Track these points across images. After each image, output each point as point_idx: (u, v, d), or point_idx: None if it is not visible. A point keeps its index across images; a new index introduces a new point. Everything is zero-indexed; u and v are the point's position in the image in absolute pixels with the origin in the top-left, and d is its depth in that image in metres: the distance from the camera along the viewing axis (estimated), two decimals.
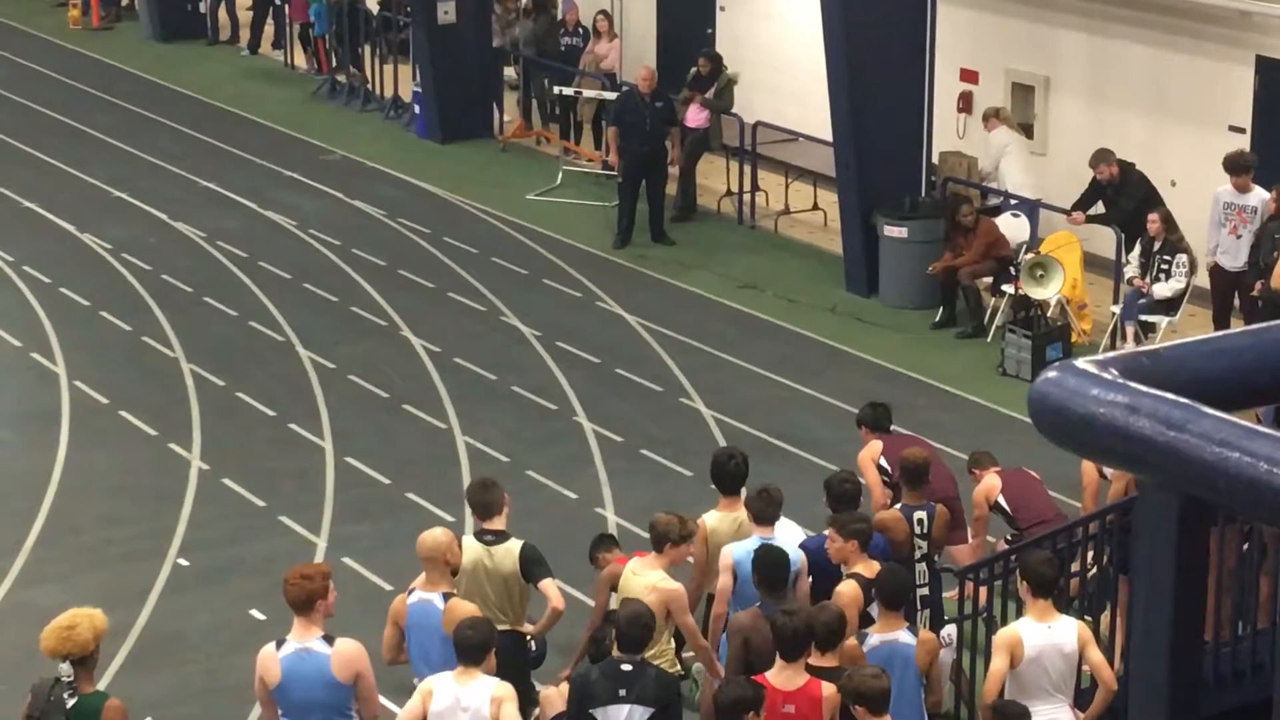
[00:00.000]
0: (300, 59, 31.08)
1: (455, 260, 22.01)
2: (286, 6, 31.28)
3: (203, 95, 29.36)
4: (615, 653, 10.38)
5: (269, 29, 32.26)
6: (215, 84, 30.04)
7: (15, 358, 19.21)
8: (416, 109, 27.24)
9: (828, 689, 10.20)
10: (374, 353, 19.27)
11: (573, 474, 16.52)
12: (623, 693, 10.20)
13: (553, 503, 15.91)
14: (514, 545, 11.47)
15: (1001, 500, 13.38)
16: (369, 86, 28.92)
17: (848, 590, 11.21)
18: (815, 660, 10.43)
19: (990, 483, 13.50)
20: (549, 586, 11.32)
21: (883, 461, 13.49)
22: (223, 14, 32.94)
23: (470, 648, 9.93)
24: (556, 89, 26.19)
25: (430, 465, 16.72)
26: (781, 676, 10.25)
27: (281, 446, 17.14)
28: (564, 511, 15.74)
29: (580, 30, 26.87)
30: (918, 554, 12.07)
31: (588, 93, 25.65)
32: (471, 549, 11.44)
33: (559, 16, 27.51)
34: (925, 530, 12.12)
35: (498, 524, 11.55)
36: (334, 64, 29.68)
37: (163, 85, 30.02)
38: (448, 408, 17.99)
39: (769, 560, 11.17)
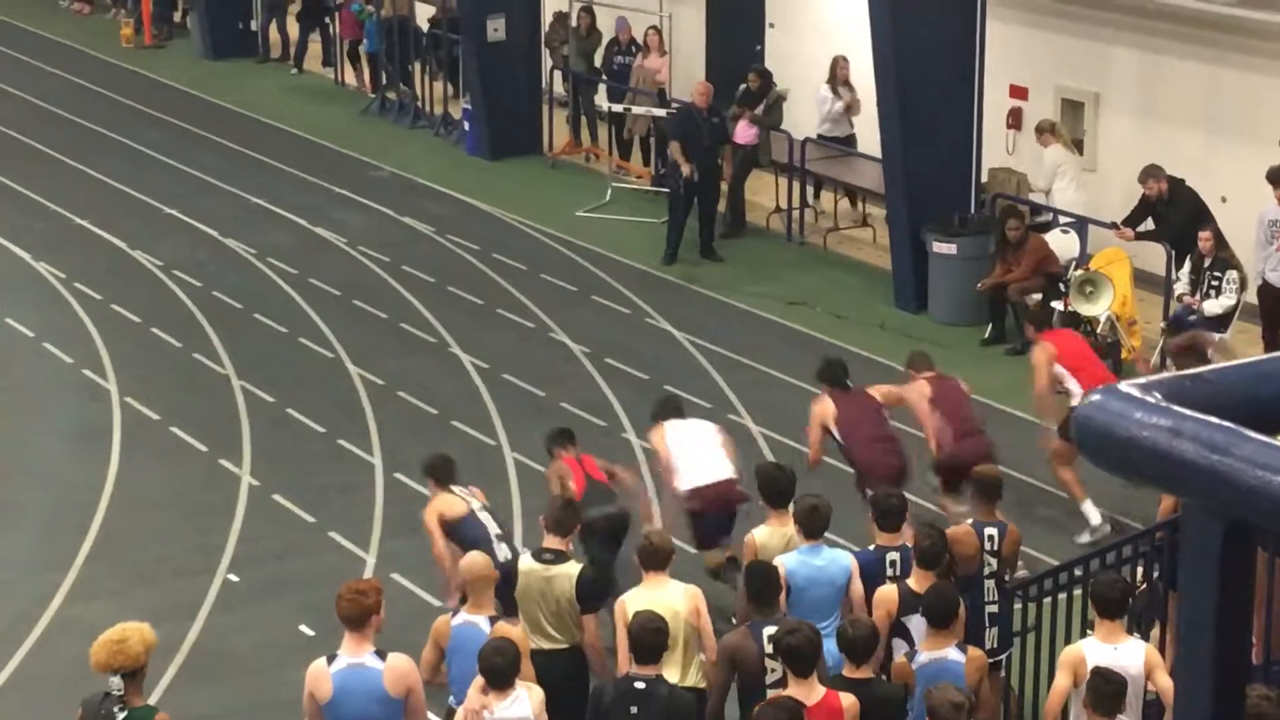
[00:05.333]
0: (350, 76, 31.23)
1: (504, 277, 22.07)
2: (336, 24, 31.44)
3: (253, 112, 29.53)
4: (632, 667, 10.34)
5: (316, 47, 32.39)
6: (266, 101, 30.22)
7: (67, 374, 19.33)
8: (466, 126, 27.34)
9: (846, 699, 10.15)
10: (423, 369, 19.34)
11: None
12: (634, 710, 10.17)
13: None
14: (573, 569, 11.47)
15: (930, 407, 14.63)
16: (419, 103, 29.03)
17: (883, 593, 11.27)
18: (849, 672, 10.42)
19: (921, 387, 14.77)
20: (590, 620, 11.37)
21: (833, 428, 14.34)
22: (274, 32, 33.12)
23: (495, 671, 9.93)
24: (606, 105, 26.25)
25: (479, 481, 16.69)
26: (799, 690, 10.20)
27: (331, 462, 17.22)
28: None
29: (632, 48, 26.93)
30: (987, 570, 12.04)
31: (637, 109, 25.69)
32: (529, 566, 11.46)
33: (612, 34, 27.58)
34: (995, 547, 12.09)
35: (560, 544, 11.58)
36: (384, 81, 29.81)
37: (214, 102, 30.20)
38: (496, 424, 18.04)
39: (758, 575, 11.12)
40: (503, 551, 12.72)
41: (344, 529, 15.83)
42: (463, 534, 12.89)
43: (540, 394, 18.67)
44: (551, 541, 11.62)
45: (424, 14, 29.91)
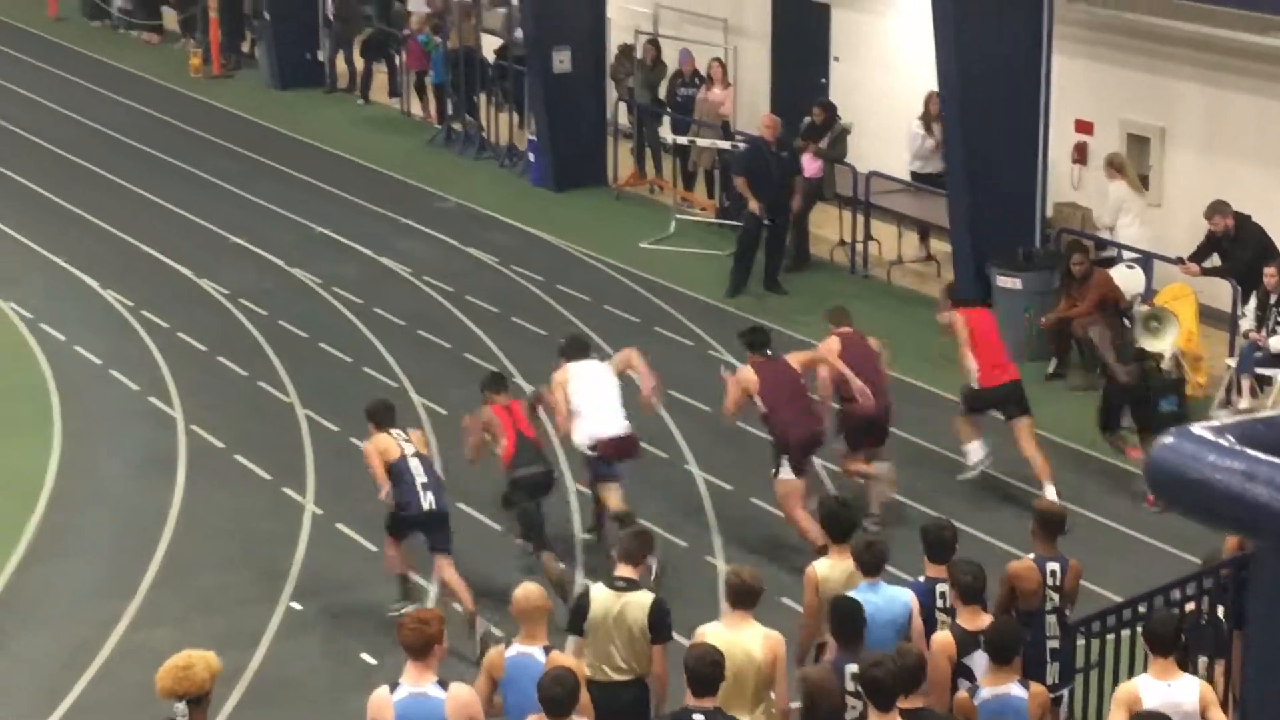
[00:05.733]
0: (417, 107, 31.35)
1: (568, 308, 22.09)
2: (403, 55, 31.59)
3: (320, 142, 29.68)
4: (690, 699, 10.26)
5: (383, 77, 32.54)
6: (332, 131, 30.36)
7: (133, 401, 19.44)
8: (531, 157, 27.41)
9: None
10: None
11: (682, 522, 16.51)
12: None
13: (662, 550, 15.88)
14: (645, 597, 11.44)
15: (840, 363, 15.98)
16: (484, 134, 29.12)
17: (940, 639, 11.20)
18: (900, 703, 10.36)
19: (832, 343, 16.18)
20: (660, 653, 11.33)
21: (755, 396, 15.50)
22: (340, 62, 33.29)
23: (555, 701, 9.88)
24: (670, 138, 26.27)
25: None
26: None
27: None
28: (673, 560, 15.72)
29: (696, 80, 26.95)
30: (1049, 606, 11.97)
31: (702, 141, 25.70)
32: (602, 595, 11.44)
33: (675, 67, 27.62)
34: (1057, 582, 12.02)
35: (632, 572, 11.56)
36: (450, 112, 29.90)
37: (281, 132, 30.37)
38: (559, 455, 18.03)
39: (843, 612, 11.06)
40: (427, 500, 14.37)
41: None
42: (394, 476, 14.41)
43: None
44: (623, 570, 11.60)
45: (490, 45, 30.01)
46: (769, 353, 15.93)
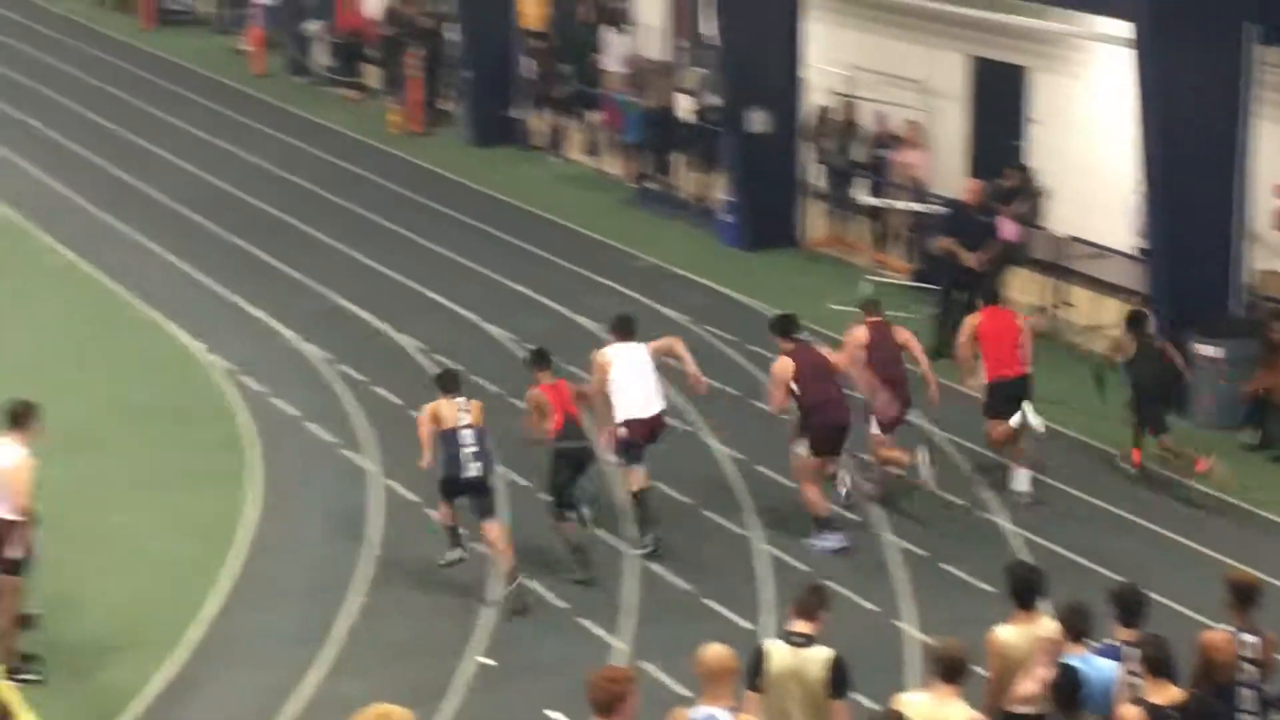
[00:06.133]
0: (611, 165, 31.56)
1: (760, 368, 22.06)
2: (600, 113, 31.84)
3: (516, 199, 29.96)
4: None
5: (578, 136, 32.77)
6: (528, 188, 30.64)
7: (329, 453, 19.72)
8: (724, 216, 27.48)
9: None
10: (678, 457, 19.38)
11: (872, 586, 16.43)
12: None
13: (850, 614, 15.81)
14: (824, 653, 11.37)
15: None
16: (678, 193, 29.25)
17: (1130, 714, 11.00)
18: None
19: (859, 335, 17.83)
20: (843, 710, 11.25)
21: (793, 384, 17.01)
22: (538, 120, 33.60)
23: None
24: (865, 199, 26.22)
25: (731, 572, 16.76)
26: None
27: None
28: (862, 623, 15.64)
29: (891, 142, 26.89)
30: (1243, 679, 11.74)
31: (896, 203, 25.63)
32: (779, 651, 11.39)
33: (870, 128, 27.60)
34: (1254, 655, 11.80)
35: (809, 628, 11.50)
36: (645, 170, 30.07)
37: (477, 189, 30.70)
38: (750, 515, 18.03)
39: (1065, 681, 10.93)
40: (471, 469, 16.02)
41: (595, 615, 15.90)
42: (444, 440, 16.07)
43: (794, 486, 18.62)
44: (800, 625, 11.53)
45: (686, 105, 30.15)
46: (800, 338, 17.56)
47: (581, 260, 26.52)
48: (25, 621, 15.09)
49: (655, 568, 16.74)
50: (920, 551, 17.15)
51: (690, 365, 17.66)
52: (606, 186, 30.88)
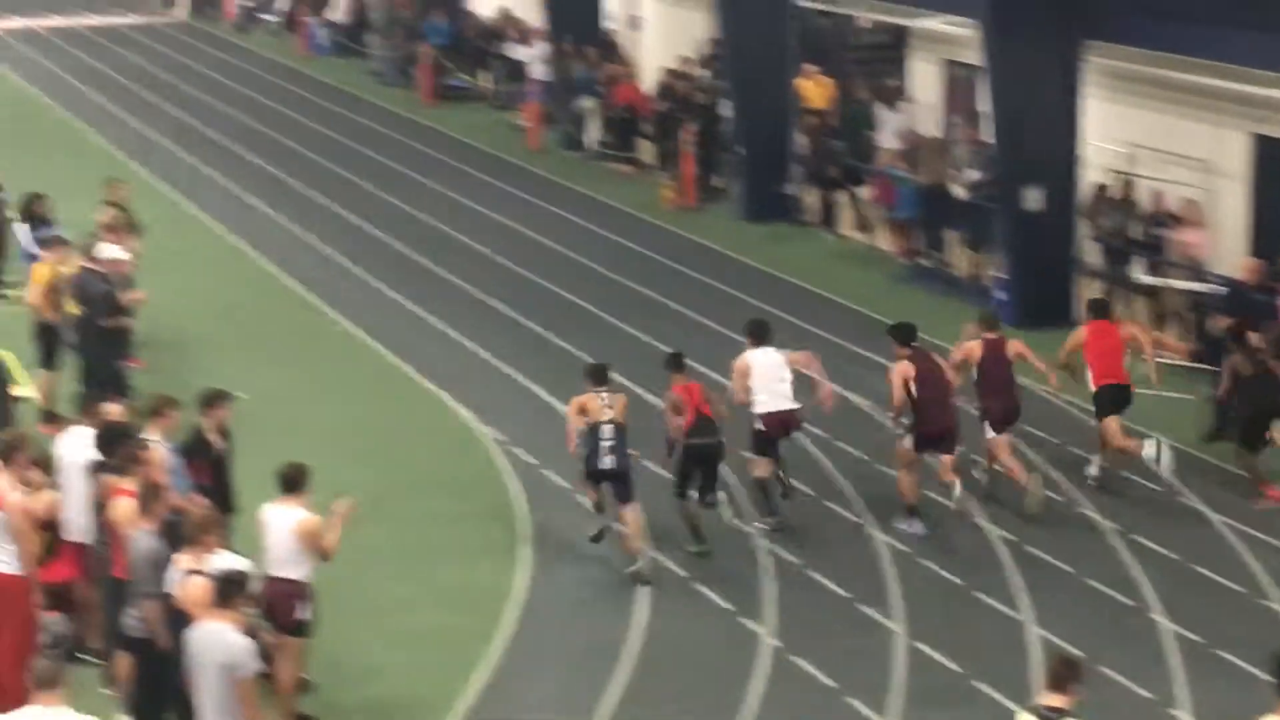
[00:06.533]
0: (885, 241, 31.50)
1: (1035, 448, 21.84)
2: (873, 189, 31.82)
3: (788, 275, 29.97)
4: None
5: (852, 212, 32.77)
6: (801, 264, 30.64)
7: (597, 526, 19.89)
8: (998, 294, 27.26)
9: None
10: (947, 536, 19.27)
11: (1147, 673, 16.15)
12: None
13: (1124, 701, 15.59)
14: None
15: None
16: (952, 270, 29.09)
17: None
18: None
19: (971, 349, 20.13)
20: None
21: (912, 386, 19.25)
22: (811, 196, 33.65)
23: None
24: (1142, 277, 25.85)
25: (1001, 655, 16.59)
26: None
27: (853, 626, 17.30)
28: (1135, 711, 15.41)
29: (1168, 220, 26.51)
30: None
31: (1176, 283, 25.23)
32: None
33: (1147, 206, 27.24)
34: None
35: (1060, 701, 11.35)
36: (918, 247, 29.96)
37: (750, 265, 30.74)
38: (1021, 596, 17.84)
39: None
40: (606, 461, 18.40)
41: (863, 695, 15.85)
42: (588, 432, 18.49)
43: (1067, 569, 18.41)
44: (1051, 699, 11.39)
45: (960, 181, 30.01)
46: (916, 345, 19.71)
47: (854, 337, 26.42)
48: (304, 685, 15.49)
49: (923, 647, 16.62)
50: (1196, 638, 16.81)
51: (823, 385, 20.09)
52: (878, 262, 30.81)
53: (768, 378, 19.75)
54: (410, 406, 24.17)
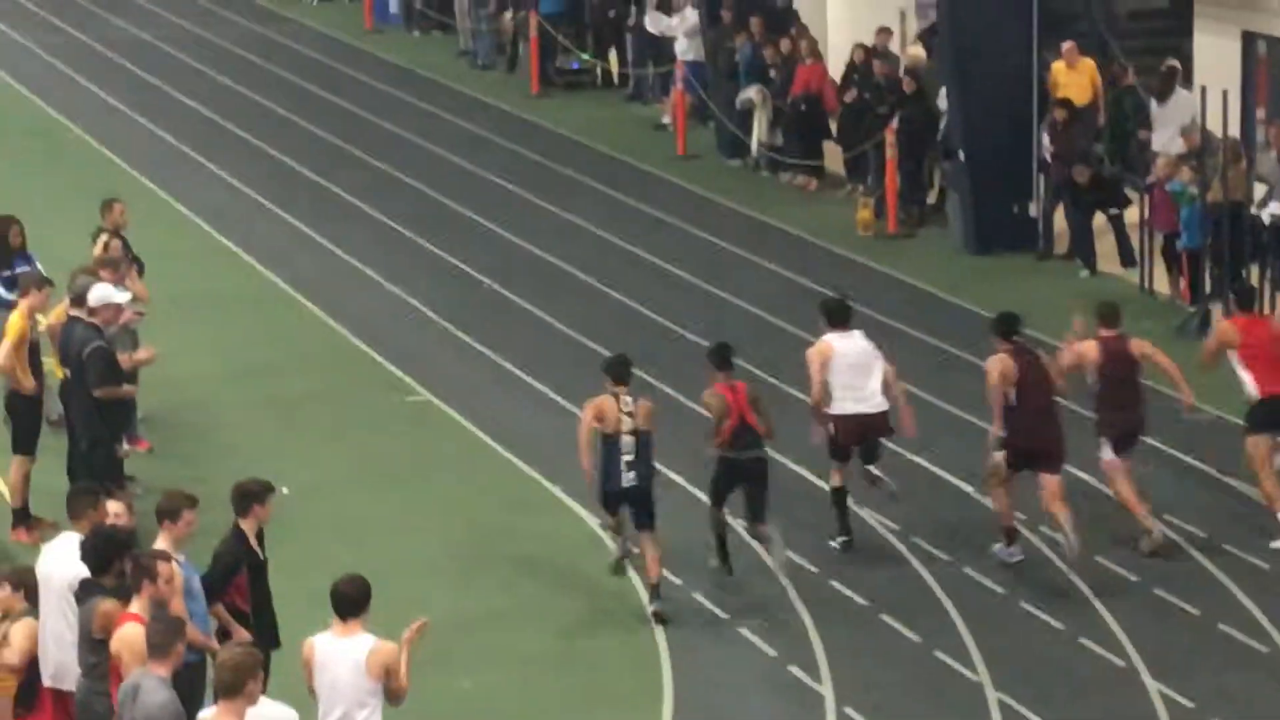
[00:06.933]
0: (1162, 280, 31.31)
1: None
2: (1144, 209, 31.62)
3: (1034, 330, 29.61)
4: None
5: (1112, 240, 32.54)
6: (1050, 313, 30.10)
7: (767, 670, 20.08)
8: None
9: None
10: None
11: None
12: None
13: None
14: None
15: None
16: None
17: None
18: None
19: (1088, 349, 22.14)
20: None
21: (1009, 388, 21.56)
22: (1060, 219, 33.46)
23: None
24: None
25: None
26: None
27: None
28: None
29: None
30: None
31: None
32: None
33: None
34: None
35: None
36: (1209, 289, 29.76)
37: (972, 311, 30.47)
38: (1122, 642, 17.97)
39: None
40: (627, 478, 20.66)
41: None
42: (604, 444, 20.76)
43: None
44: None
45: (1268, 199, 29.84)
46: (1019, 339, 22.16)
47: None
48: None
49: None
50: None
51: (905, 416, 22.50)
52: (1154, 310, 30.61)
53: (850, 371, 22.12)
54: (510, 503, 24.36)
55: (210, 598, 17.08)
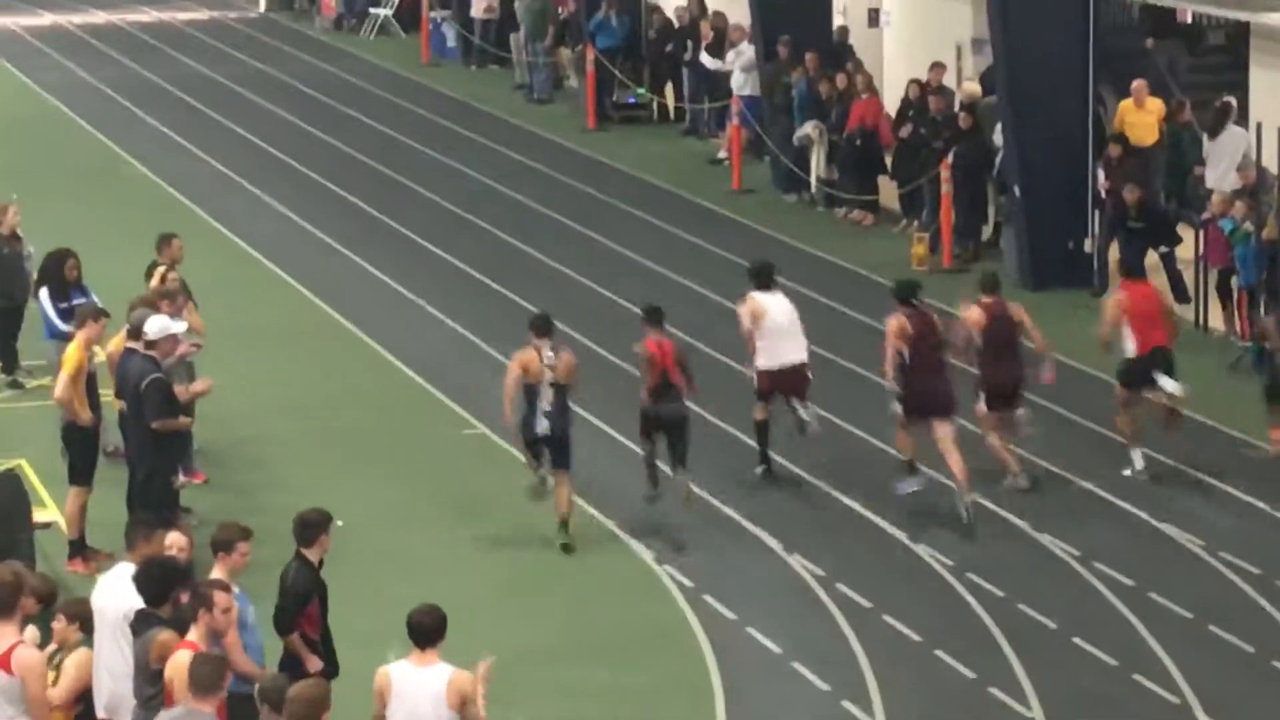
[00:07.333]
0: (1218, 316, 31.24)
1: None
2: (1199, 244, 31.53)
3: (1083, 363, 29.63)
4: None
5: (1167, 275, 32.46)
6: (1094, 347, 30.22)
7: (820, 705, 20.07)
8: None
9: None
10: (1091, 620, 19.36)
11: None
12: None
13: None
14: None
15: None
16: None
17: None
18: None
19: (973, 313, 25.27)
20: None
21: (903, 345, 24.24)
22: (1114, 253, 33.37)
23: None
24: None
25: None
26: None
27: None
28: None
29: None
30: None
31: None
32: None
33: None
34: None
35: None
36: (1265, 327, 29.63)
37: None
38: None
39: None
40: (542, 425, 23.27)
41: None
42: (526, 392, 23.33)
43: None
44: None
45: None
46: (916, 304, 24.73)
47: (1174, 449, 26.17)
48: None
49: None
50: None
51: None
52: (1207, 346, 30.55)
53: (774, 330, 25.24)
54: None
55: (285, 628, 17.19)
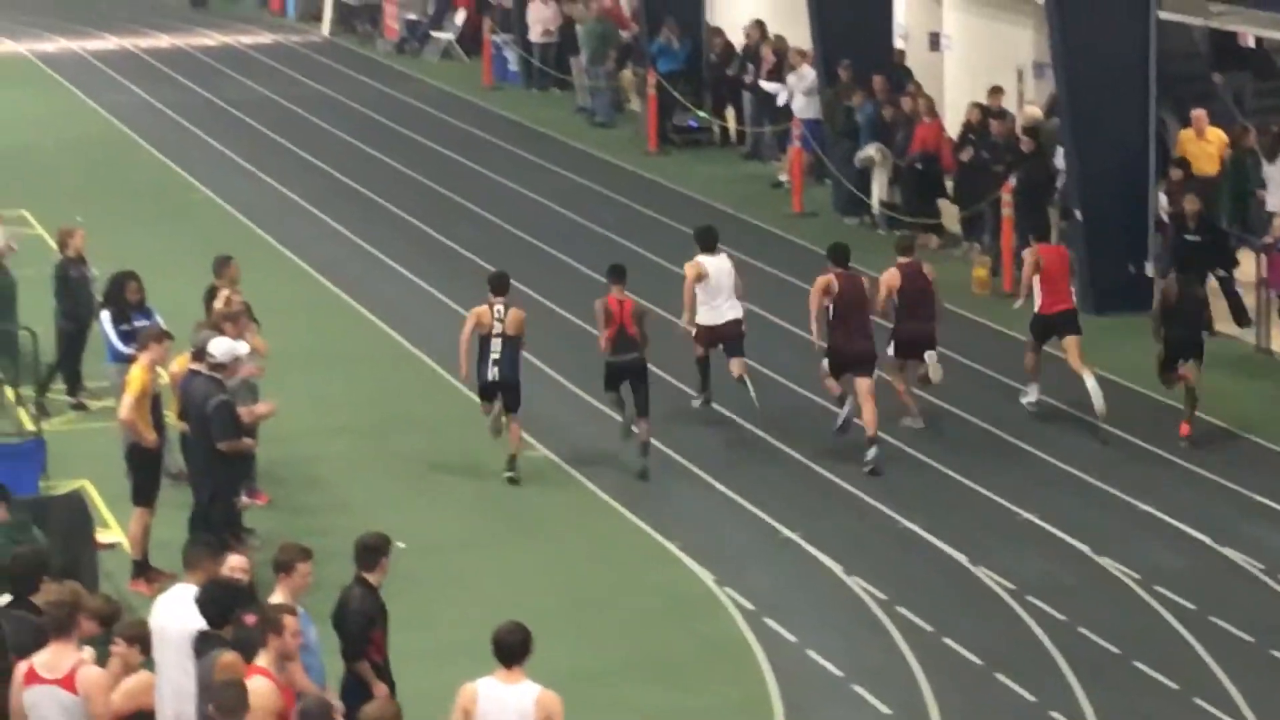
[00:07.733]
0: (1279, 339, 31.14)
1: None
2: (1262, 271, 31.47)
3: (1140, 385, 29.56)
4: None
5: (1228, 303, 32.33)
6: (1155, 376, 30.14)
7: None
8: None
9: None
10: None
11: None
12: None
13: None
14: None
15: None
16: None
17: None
18: None
19: (890, 276, 28.18)
20: None
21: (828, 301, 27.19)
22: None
23: None
24: None
25: None
26: None
27: None
28: None
29: None
30: None
31: None
32: None
33: None
34: None
35: None
36: None
37: (1102, 377, 30.35)
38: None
39: None
40: (492, 373, 26.08)
41: None
42: (479, 343, 26.13)
43: None
44: None
45: None
46: (848, 266, 27.52)
47: (1241, 475, 26.13)
48: None
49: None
50: None
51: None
52: (1268, 369, 30.50)
53: (713, 289, 28.18)
54: (626, 557, 24.63)
55: (352, 655, 17.25)
